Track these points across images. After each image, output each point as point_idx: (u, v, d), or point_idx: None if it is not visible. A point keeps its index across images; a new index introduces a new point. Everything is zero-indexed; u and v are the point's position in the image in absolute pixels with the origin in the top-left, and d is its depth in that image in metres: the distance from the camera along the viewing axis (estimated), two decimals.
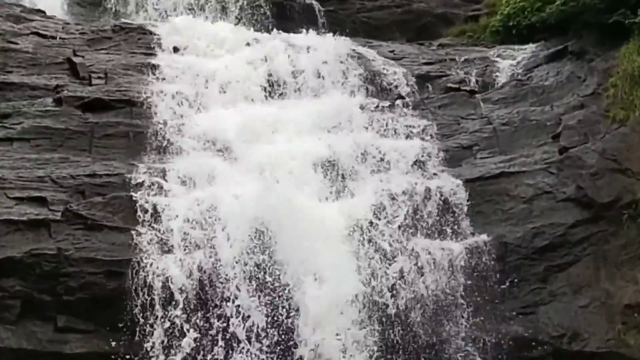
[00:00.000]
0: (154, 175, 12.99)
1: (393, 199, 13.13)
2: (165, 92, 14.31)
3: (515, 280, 12.80)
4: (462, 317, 12.50)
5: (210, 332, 11.90)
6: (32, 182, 12.65)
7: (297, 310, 12.02)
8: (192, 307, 11.99)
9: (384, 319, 12.23)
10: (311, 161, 13.56)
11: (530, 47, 16.55)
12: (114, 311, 11.85)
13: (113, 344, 11.87)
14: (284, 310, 12.01)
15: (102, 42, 15.66)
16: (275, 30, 17.11)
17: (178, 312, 11.92)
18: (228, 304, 12.00)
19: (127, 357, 11.79)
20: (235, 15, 19.45)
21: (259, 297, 12.05)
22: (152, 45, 15.59)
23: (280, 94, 15.00)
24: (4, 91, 14.06)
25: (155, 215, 12.52)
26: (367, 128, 14.43)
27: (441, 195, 13.30)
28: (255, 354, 11.80)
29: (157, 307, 11.92)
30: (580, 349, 12.50)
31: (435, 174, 13.72)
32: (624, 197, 13.01)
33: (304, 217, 12.58)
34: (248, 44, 15.86)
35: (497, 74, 15.91)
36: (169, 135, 13.68)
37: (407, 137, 14.35)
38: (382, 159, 13.83)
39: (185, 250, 12.32)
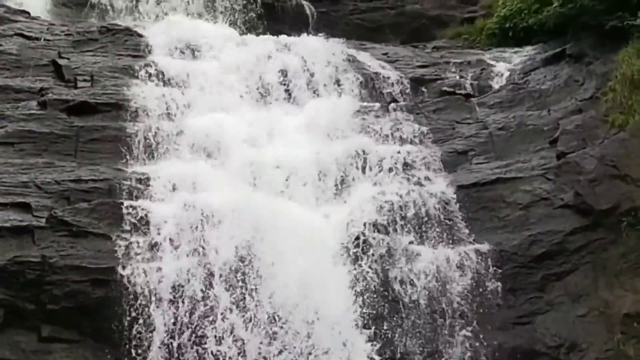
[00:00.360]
0: (141, 180, 12.90)
1: (386, 205, 13.03)
2: (153, 95, 14.24)
3: (512, 289, 12.70)
4: (458, 326, 12.38)
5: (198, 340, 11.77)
6: (15, 188, 12.53)
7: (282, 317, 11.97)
8: (179, 315, 11.81)
9: (378, 329, 12.10)
10: (303, 166, 13.48)
11: (527, 50, 16.61)
12: (100, 320, 11.76)
13: (98, 353, 11.75)
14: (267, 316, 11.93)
15: (88, 43, 15.61)
16: (266, 32, 17.07)
17: (165, 320, 11.75)
18: (216, 311, 11.88)
19: None
20: (225, 17, 19.33)
21: (245, 303, 11.95)
22: (139, 47, 15.54)
23: (271, 97, 14.95)
24: None
25: (142, 221, 12.41)
26: (360, 132, 14.34)
27: (436, 202, 13.21)
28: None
29: (144, 315, 11.76)
30: (579, 359, 12.39)
31: (429, 180, 13.62)
32: (623, 204, 12.91)
33: (294, 223, 12.50)
34: (238, 46, 15.82)
35: (493, 77, 15.96)
36: (156, 139, 13.60)
37: (401, 141, 14.25)
38: (375, 164, 13.72)
39: (172, 256, 12.17)
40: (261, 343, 11.74)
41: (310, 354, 11.81)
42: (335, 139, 14.13)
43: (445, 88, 15.59)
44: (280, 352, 11.74)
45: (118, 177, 12.85)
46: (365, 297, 12.22)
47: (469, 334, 12.28)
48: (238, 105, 14.59)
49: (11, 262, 11.73)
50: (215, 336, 11.75)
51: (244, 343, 11.72)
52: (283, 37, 16.16)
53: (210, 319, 11.83)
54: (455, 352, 12.23)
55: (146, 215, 12.39)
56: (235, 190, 12.79)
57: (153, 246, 12.19)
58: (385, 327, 12.16)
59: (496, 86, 15.62)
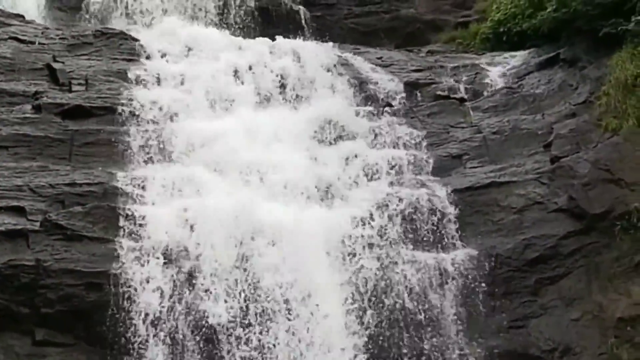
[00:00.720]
0: (136, 184, 12.87)
1: (380, 209, 13.03)
2: (148, 98, 14.21)
3: (506, 292, 12.68)
4: (451, 330, 12.35)
5: (192, 344, 11.78)
6: (10, 192, 12.50)
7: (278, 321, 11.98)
8: (174, 318, 11.82)
9: (370, 333, 12.09)
10: (298, 170, 13.44)
11: (521, 54, 16.56)
12: (94, 324, 11.73)
13: (93, 357, 11.72)
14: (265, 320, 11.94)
15: (83, 47, 15.56)
16: (261, 36, 17.03)
17: (160, 324, 11.76)
18: (211, 313, 11.89)
19: None
20: (220, 21, 19.30)
21: (240, 308, 11.95)
22: (134, 51, 15.50)
23: (266, 101, 14.91)
24: None
25: (137, 225, 12.39)
26: (355, 136, 14.34)
27: (430, 206, 13.19)
28: None
29: (138, 319, 11.75)
30: None
31: (423, 184, 13.58)
32: (617, 208, 12.91)
33: (289, 227, 12.47)
34: (233, 50, 15.77)
35: (488, 81, 15.89)
36: (151, 143, 13.57)
37: (396, 145, 14.26)
38: (369, 168, 13.73)
39: (167, 260, 12.16)
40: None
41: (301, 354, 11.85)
42: (329, 143, 14.13)
43: (439, 92, 15.55)
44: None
45: (113, 181, 12.82)
46: (358, 301, 12.20)
47: (462, 338, 12.26)
48: (233, 108, 14.56)
49: (5, 265, 11.70)
50: (212, 339, 11.77)
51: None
52: (278, 41, 16.11)
53: (206, 323, 11.83)
54: (449, 356, 12.17)
55: (141, 219, 12.37)
56: (231, 193, 12.79)
57: (148, 250, 12.14)
58: (377, 332, 12.12)
59: (490, 90, 15.60)
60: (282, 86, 15.13)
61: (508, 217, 13.24)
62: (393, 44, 19.38)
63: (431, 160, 14.00)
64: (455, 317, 12.38)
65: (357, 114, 14.73)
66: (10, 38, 15.40)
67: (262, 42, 16.17)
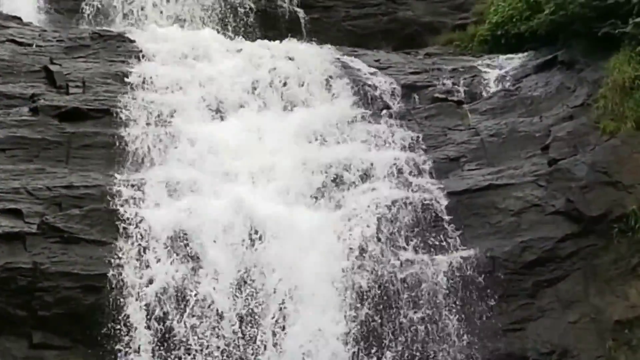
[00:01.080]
0: (133, 186, 12.88)
1: (378, 211, 13.00)
2: (145, 101, 14.20)
3: (504, 295, 12.65)
4: (449, 333, 12.33)
5: (191, 346, 11.77)
6: (7, 194, 12.51)
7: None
8: (172, 321, 11.82)
9: (369, 336, 12.08)
10: (296, 172, 13.46)
11: (519, 57, 16.54)
12: (91, 327, 11.71)
13: None
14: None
15: (80, 49, 15.53)
16: (259, 38, 17.02)
17: (158, 326, 11.77)
18: (210, 317, 11.88)
19: None
20: (218, 23, 19.29)
21: (240, 310, 11.98)
22: (131, 54, 15.46)
23: (263, 104, 14.87)
24: None
25: (134, 227, 12.38)
26: (352, 139, 14.31)
27: (427, 208, 13.18)
28: None
29: (136, 322, 11.76)
30: None
31: (421, 186, 13.56)
32: (615, 211, 12.91)
33: (289, 229, 12.52)
34: (231, 52, 15.78)
35: (485, 84, 15.87)
36: (148, 145, 13.56)
37: (393, 148, 14.22)
38: (367, 171, 13.69)
39: (165, 263, 12.17)
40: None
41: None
42: (327, 145, 14.11)
43: (437, 95, 15.53)
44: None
45: (110, 183, 12.81)
46: (356, 304, 12.19)
47: (460, 340, 12.23)
48: (231, 111, 14.56)
49: (2, 268, 11.73)
50: (208, 344, 11.78)
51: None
52: (276, 43, 16.12)
53: (203, 326, 11.84)
54: (446, 358, 12.15)
55: (139, 221, 12.37)
56: (229, 196, 12.79)
57: (145, 252, 12.16)
58: (376, 334, 12.12)
59: (488, 93, 15.59)
60: (280, 88, 15.07)
61: (506, 219, 13.21)
62: (391, 47, 19.33)
63: (429, 163, 13.95)
64: (453, 319, 12.34)
65: (355, 116, 14.70)
66: (8, 40, 15.39)
67: (261, 45, 16.15)
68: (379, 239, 12.75)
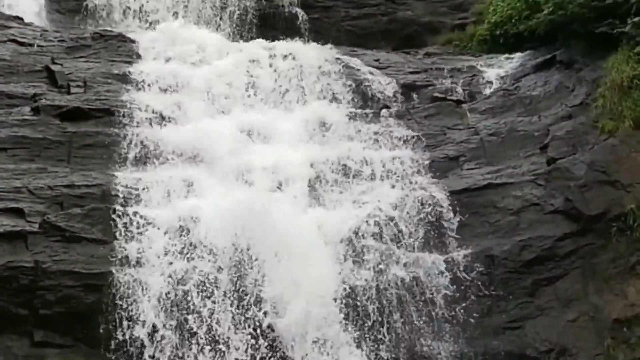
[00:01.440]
0: (134, 186, 12.86)
1: (377, 210, 13.02)
2: (146, 101, 14.22)
3: (502, 294, 12.67)
4: (448, 331, 12.35)
5: (191, 346, 11.78)
6: (8, 193, 12.49)
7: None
8: (172, 320, 11.81)
9: (367, 334, 12.11)
10: (295, 171, 13.45)
11: (518, 56, 16.53)
12: (93, 325, 11.70)
13: (91, 359, 11.69)
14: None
15: (82, 49, 15.55)
16: (259, 38, 17.02)
17: (158, 325, 11.75)
18: (209, 317, 11.88)
19: None
20: (217, 23, 19.30)
21: (239, 311, 11.98)
22: (132, 53, 15.51)
23: (263, 103, 14.91)
24: None
25: (135, 226, 12.37)
26: (351, 138, 14.34)
27: (427, 207, 13.19)
28: None
29: (137, 321, 11.74)
30: None
31: (420, 185, 13.59)
32: (613, 210, 12.92)
33: (284, 229, 12.47)
34: (231, 52, 15.78)
35: (484, 83, 15.89)
36: (149, 145, 13.57)
37: (392, 147, 14.26)
38: (366, 170, 13.72)
39: (166, 262, 12.15)
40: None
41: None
42: (327, 145, 14.11)
43: (436, 94, 15.54)
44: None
45: (111, 183, 12.79)
46: (354, 302, 12.20)
47: (459, 339, 12.26)
48: (231, 110, 14.57)
49: (4, 267, 11.70)
50: (208, 344, 11.78)
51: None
52: (275, 43, 16.13)
53: (204, 324, 11.85)
54: (445, 356, 12.18)
55: (140, 220, 12.37)
56: (228, 195, 12.78)
57: (146, 251, 12.15)
58: (374, 333, 12.14)
59: (487, 92, 15.61)
60: (279, 88, 15.12)
61: (505, 218, 13.24)
62: (390, 46, 19.34)
63: (428, 162, 13.99)
64: (452, 318, 12.38)
65: (354, 115, 14.74)
66: (9, 40, 15.42)
67: (260, 45, 16.15)
68: (377, 238, 12.77)
